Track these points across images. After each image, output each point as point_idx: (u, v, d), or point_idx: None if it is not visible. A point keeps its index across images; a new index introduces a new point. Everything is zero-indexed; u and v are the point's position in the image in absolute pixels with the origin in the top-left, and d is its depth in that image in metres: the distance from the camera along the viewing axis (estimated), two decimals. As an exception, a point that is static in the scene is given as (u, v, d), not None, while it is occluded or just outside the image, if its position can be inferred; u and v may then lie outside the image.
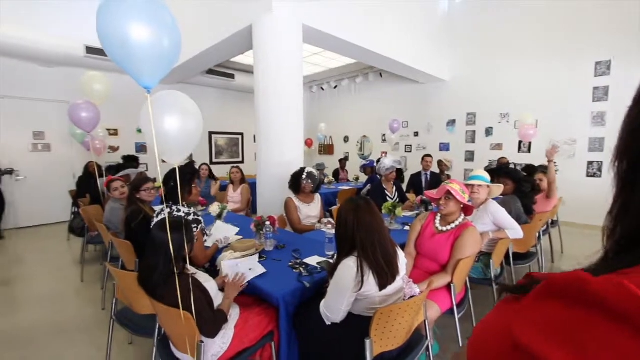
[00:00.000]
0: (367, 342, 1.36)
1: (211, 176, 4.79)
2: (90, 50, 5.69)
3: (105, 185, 3.38)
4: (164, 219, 1.50)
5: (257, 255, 1.99)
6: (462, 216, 2.04)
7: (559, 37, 5.45)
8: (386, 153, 8.30)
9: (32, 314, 2.81)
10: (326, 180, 5.86)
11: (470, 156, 6.82)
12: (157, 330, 1.67)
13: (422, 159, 5.06)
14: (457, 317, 1.90)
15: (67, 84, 5.81)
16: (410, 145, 7.89)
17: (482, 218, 2.44)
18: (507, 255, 2.62)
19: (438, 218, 2.11)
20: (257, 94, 3.82)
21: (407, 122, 7.83)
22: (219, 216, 2.78)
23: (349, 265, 1.41)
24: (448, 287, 1.92)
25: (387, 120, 7.76)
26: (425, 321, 1.68)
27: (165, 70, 1.28)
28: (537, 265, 3.08)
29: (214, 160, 8.52)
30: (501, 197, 2.96)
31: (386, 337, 1.43)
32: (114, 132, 6.75)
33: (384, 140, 8.22)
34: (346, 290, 1.39)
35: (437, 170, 5.44)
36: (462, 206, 2.02)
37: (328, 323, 1.50)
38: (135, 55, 1.15)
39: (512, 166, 3.84)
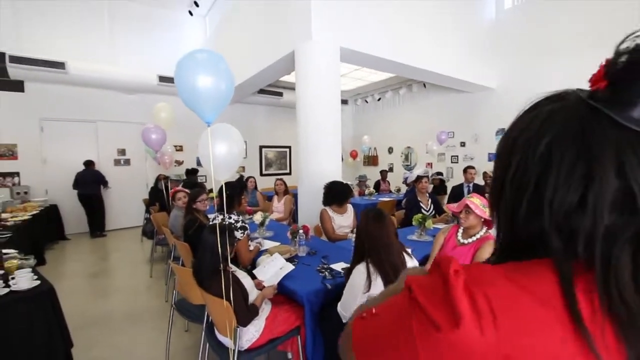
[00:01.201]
0: (377, 339, 1.53)
1: (256, 188, 5.26)
2: (162, 78, 6.65)
3: (171, 196, 3.97)
4: (213, 224, 1.85)
5: (277, 256, 2.23)
6: (484, 229, 2.09)
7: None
8: (431, 164, 8.19)
9: (111, 301, 3.42)
10: (367, 192, 6.00)
11: (522, 167, 6.43)
12: (205, 317, 2.02)
13: (465, 170, 4.97)
14: (476, 328, 1.94)
15: (144, 108, 6.82)
16: (457, 156, 7.66)
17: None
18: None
19: (460, 231, 2.18)
20: (298, 112, 4.17)
21: (453, 132, 7.64)
22: (262, 224, 3.12)
23: (360, 270, 1.60)
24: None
25: (431, 131, 7.68)
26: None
27: (221, 108, 1.62)
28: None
29: (264, 172, 9.15)
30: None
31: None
32: (179, 148, 7.69)
33: (427, 152, 8.09)
34: (357, 292, 1.58)
35: (482, 182, 5.28)
36: (482, 219, 2.07)
37: (345, 321, 1.69)
38: (200, 99, 1.51)
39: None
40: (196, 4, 6.60)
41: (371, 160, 10.05)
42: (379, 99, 9.23)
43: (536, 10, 5.94)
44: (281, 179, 4.73)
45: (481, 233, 2.08)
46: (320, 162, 4.12)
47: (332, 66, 4.04)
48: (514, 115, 0.48)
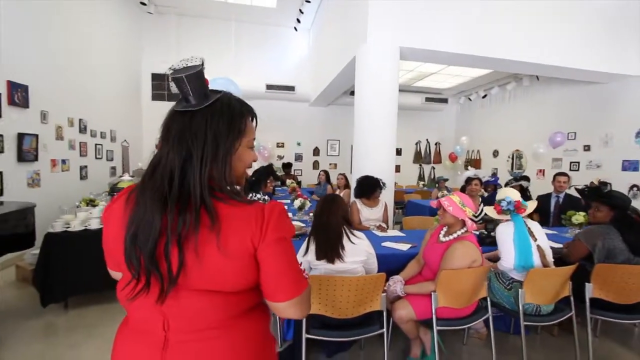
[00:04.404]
0: (307, 300, 1.82)
1: (328, 181, 5.77)
2: (269, 87, 7.97)
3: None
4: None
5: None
6: (464, 229, 2.00)
7: None
8: (543, 171, 6.89)
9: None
10: (439, 195, 5.66)
11: (675, 180, 4.75)
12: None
13: (554, 178, 4.14)
14: (435, 327, 1.90)
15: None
16: (577, 163, 6.20)
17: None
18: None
19: (444, 229, 2.13)
20: (357, 113, 4.44)
21: (575, 133, 6.21)
22: (300, 208, 3.62)
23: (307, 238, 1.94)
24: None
25: (547, 132, 6.48)
26: (385, 312, 1.88)
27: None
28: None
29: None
30: (593, 226, 2.35)
31: (330, 304, 1.80)
32: (281, 145, 8.98)
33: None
34: (298, 254, 1.90)
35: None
36: (460, 218, 1.98)
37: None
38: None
39: None
40: (298, 21, 7.59)
41: (473, 164, 9.08)
42: (484, 96, 8.28)
43: None
44: (343, 174, 5.09)
45: (459, 232, 2.00)
46: (376, 160, 4.26)
47: (388, 68, 4.15)
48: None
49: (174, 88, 0.74)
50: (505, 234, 2.15)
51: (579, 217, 3.08)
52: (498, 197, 2.27)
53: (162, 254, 0.65)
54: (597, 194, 2.36)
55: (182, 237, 0.64)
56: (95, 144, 5.80)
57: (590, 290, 2.12)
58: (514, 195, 2.22)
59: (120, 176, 4.09)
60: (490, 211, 2.27)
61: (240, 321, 0.73)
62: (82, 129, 5.29)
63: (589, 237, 2.25)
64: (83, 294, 2.86)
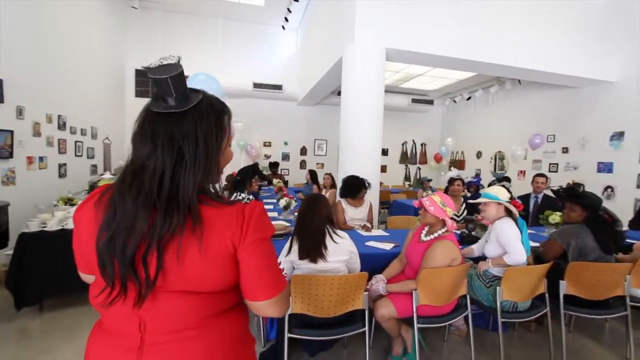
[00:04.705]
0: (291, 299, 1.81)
1: (314, 181, 5.78)
2: (257, 85, 7.90)
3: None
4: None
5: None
6: (445, 228, 2.04)
7: None
8: (524, 172, 7.09)
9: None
10: (424, 194, 5.76)
11: (646, 181, 4.97)
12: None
13: (533, 179, 4.28)
14: (415, 325, 1.94)
15: (240, 109, 8.22)
16: (556, 164, 6.41)
17: (491, 240, 2.23)
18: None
19: (426, 229, 2.17)
20: (343, 113, 4.46)
21: (554, 136, 6.42)
22: (285, 208, 3.61)
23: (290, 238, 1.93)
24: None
25: (527, 134, 6.65)
26: (367, 311, 1.90)
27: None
28: (625, 322, 2.29)
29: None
30: (567, 226, 2.43)
31: (313, 303, 1.81)
32: (268, 144, 8.92)
33: (526, 157, 6.98)
34: (281, 254, 1.90)
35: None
36: (440, 218, 2.02)
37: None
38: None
39: None
40: (286, 19, 7.57)
41: (457, 165, 9.27)
42: (469, 98, 8.46)
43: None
44: (329, 174, 5.11)
45: (439, 232, 2.04)
46: (363, 160, 4.28)
47: (374, 68, 4.18)
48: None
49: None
50: (512, 230, 2.16)
51: (555, 217, 3.18)
52: (500, 196, 2.27)
53: (140, 259, 0.63)
54: (571, 194, 2.45)
55: (164, 240, 0.63)
56: (75, 141, 5.62)
57: (564, 287, 2.20)
58: (504, 194, 2.26)
59: (101, 174, 3.98)
60: (510, 207, 2.26)
61: (217, 321, 0.72)
62: (61, 126, 5.12)
63: (563, 237, 2.33)
64: (59, 296, 2.77)
